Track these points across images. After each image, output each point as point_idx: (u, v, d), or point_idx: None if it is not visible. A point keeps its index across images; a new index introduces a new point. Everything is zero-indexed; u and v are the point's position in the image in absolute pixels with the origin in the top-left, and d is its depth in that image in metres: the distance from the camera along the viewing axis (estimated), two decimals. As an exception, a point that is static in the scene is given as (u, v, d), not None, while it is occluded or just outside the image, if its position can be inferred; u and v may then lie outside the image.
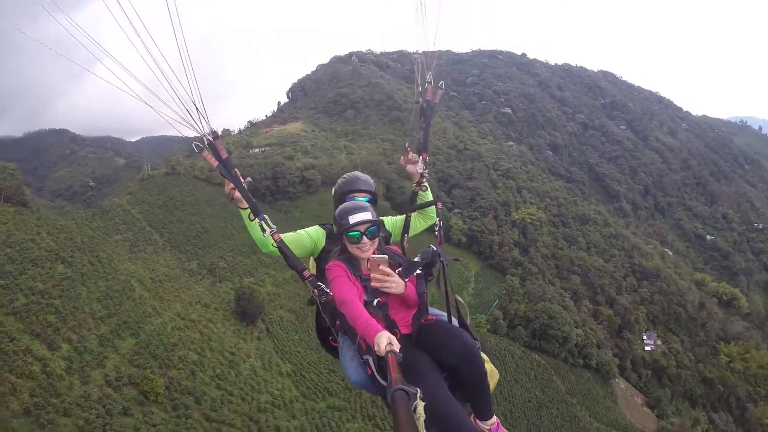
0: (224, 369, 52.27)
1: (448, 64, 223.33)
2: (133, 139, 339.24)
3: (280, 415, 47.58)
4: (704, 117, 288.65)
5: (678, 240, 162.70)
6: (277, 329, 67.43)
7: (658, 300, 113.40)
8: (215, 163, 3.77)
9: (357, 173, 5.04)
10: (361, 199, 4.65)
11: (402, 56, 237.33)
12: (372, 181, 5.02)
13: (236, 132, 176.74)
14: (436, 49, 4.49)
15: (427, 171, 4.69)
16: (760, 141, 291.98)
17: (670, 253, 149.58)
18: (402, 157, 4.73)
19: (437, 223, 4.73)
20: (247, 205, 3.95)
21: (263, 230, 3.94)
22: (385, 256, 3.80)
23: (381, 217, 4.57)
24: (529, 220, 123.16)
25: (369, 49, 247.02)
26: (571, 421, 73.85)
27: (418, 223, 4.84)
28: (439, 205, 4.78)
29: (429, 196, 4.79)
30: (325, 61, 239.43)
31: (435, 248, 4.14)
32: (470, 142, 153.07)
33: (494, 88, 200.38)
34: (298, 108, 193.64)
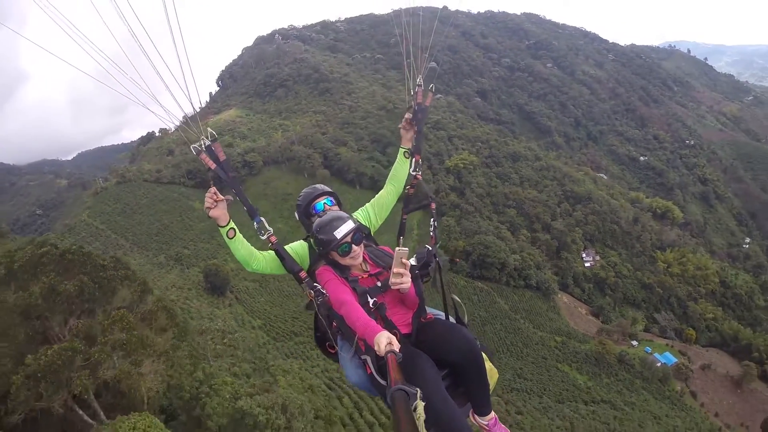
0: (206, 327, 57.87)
1: (370, 27, 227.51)
2: (70, 158, 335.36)
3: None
4: (632, 46, 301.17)
5: (613, 164, 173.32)
6: (245, 296, 76.77)
7: (592, 220, 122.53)
8: (213, 166, 3.88)
9: (313, 185, 4.96)
10: (326, 201, 4.59)
11: (324, 26, 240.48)
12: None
13: (173, 129, 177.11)
14: (426, 54, 4.62)
15: (420, 173, 4.65)
16: (690, 63, 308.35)
17: (605, 177, 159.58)
18: (403, 123, 4.76)
19: (432, 223, 4.62)
20: (225, 223, 3.95)
21: (260, 233, 3.99)
22: (407, 249, 3.77)
23: (352, 214, 4.66)
24: (462, 165, 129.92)
25: (291, 25, 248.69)
26: (515, 333, 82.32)
27: (389, 197, 4.73)
28: (433, 205, 4.67)
29: (405, 166, 4.64)
30: (250, 43, 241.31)
31: (430, 248, 4.23)
32: (398, 101, 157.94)
33: (418, 45, 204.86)
34: (230, 95, 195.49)
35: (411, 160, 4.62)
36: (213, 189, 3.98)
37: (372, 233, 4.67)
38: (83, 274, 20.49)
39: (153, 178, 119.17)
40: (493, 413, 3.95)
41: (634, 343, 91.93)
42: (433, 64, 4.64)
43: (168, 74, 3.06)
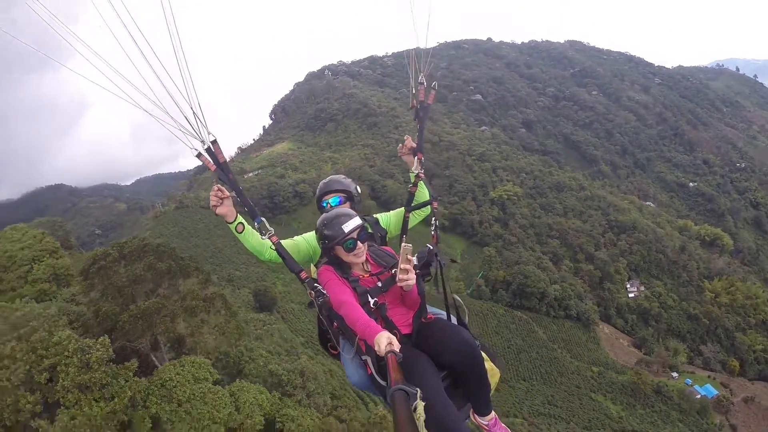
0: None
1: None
2: (129, 183, 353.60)
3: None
4: (679, 67, 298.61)
5: (661, 192, 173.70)
6: (290, 316, 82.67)
7: (637, 250, 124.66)
8: (213, 168, 3.91)
9: (333, 176, 5.24)
10: (330, 201, 4.96)
11: (372, 62, 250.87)
12: (348, 180, 5.19)
13: (228, 160, 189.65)
14: (429, 47, 4.62)
15: (423, 171, 4.74)
16: (739, 81, 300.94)
17: (653, 205, 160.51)
18: (400, 146, 4.86)
19: (434, 222, 4.68)
20: (233, 219, 4.12)
21: (262, 233, 4.06)
22: (411, 245, 3.78)
23: (375, 215, 4.96)
24: (506, 196, 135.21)
25: (340, 61, 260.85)
26: (551, 362, 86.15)
27: (413, 217, 4.89)
28: (435, 204, 4.77)
29: (425, 194, 4.85)
30: (301, 78, 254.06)
31: (432, 248, 4.25)
32: (443, 133, 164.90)
33: (463, 77, 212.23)
34: (282, 128, 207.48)
35: (414, 159, 4.75)
36: (217, 186, 4.12)
37: (387, 237, 4.86)
38: (170, 260, 30.42)
39: (208, 205, 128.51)
40: (493, 413, 4.05)
41: (675, 374, 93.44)
42: (431, 82, 4.84)
43: (167, 77, 3.23)
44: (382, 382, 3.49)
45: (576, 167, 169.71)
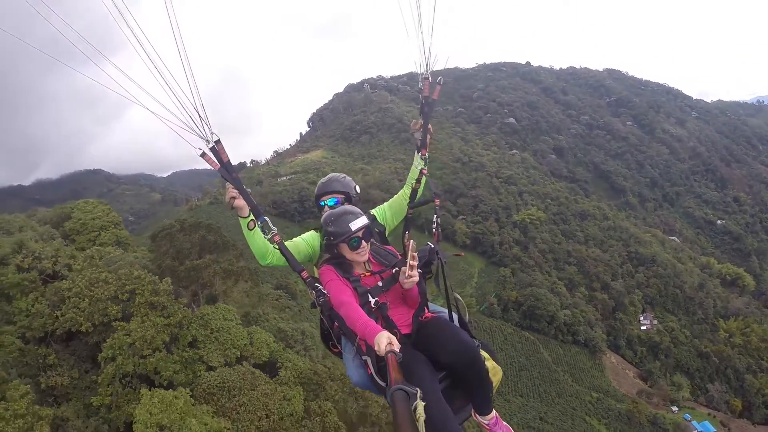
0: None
1: (455, 80, 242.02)
2: (165, 175, 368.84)
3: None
4: (719, 101, 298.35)
5: (687, 227, 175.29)
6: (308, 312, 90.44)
7: (654, 283, 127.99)
8: (217, 166, 3.98)
9: (332, 175, 5.30)
10: (328, 202, 5.03)
11: (411, 78, 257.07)
12: (348, 179, 5.23)
13: (264, 162, 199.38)
14: (431, 42, 4.47)
15: (426, 168, 4.74)
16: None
17: (677, 240, 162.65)
18: (413, 123, 4.78)
19: (435, 219, 4.70)
20: (247, 214, 4.19)
21: (264, 232, 4.22)
22: (414, 242, 3.88)
23: (371, 211, 4.93)
24: (529, 220, 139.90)
25: (380, 75, 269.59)
26: (551, 383, 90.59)
27: (402, 205, 4.90)
28: (438, 201, 4.71)
29: (419, 165, 4.75)
30: (340, 89, 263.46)
31: (432, 245, 4.32)
32: (474, 154, 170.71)
33: (498, 100, 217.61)
34: (319, 137, 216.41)
35: (418, 155, 4.73)
36: None
37: (387, 233, 4.90)
38: (216, 235, 41.85)
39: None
40: (494, 413, 4.07)
41: (675, 408, 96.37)
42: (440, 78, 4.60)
43: (170, 78, 3.26)
44: (382, 383, 3.60)
45: (603, 197, 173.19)
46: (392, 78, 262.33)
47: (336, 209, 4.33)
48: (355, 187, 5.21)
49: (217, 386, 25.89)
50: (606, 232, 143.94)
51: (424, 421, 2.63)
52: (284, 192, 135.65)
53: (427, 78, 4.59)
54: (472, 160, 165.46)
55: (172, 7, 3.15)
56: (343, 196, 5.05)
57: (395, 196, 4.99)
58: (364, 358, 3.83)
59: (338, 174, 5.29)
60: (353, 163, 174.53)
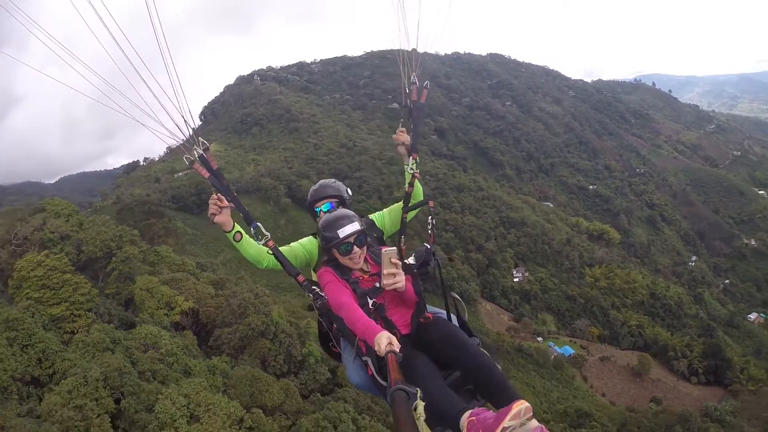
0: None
1: (342, 69, 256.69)
2: (52, 181, 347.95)
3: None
4: (598, 81, 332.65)
5: (561, 193, 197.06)
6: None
7: (524, 242, 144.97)
8: (206, 175, 4.16)
9: (323, 181, 5.43)
10: (323, 207, 5.13)
11: (300, 68, 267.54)
12: (338, 184, 5.44)
13: (158, 159, 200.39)
14: (421, 51, 4.74)
15: (418, 171, 5.01)
16: (654, 95, 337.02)
17: (551, 205, 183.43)
18: (395, 135, 5.21)
19: (430, 221, 4.89)
20: (230, 228, 4.29)
21: (257, 238, 4.25)
22: (395, 248, 4.07)
23: (370, 216, 5.17)
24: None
25: (269, 66, 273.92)
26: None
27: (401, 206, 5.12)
28: (431, 203, 4.99)
29: (420, 194, 5.19)
30: (231, 81, 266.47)
31: (429, 247, 4.58)
32: (358, 139, 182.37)
33: (383, 87, 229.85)
34: (211, 130, 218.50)
35: (410, 159, 5.08)
36: (216, 196, 4.28)
37: (384, 237, 5.10)
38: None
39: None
40: (525, 402, 3.12)
41: (539, 339, 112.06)
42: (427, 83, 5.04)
43: (159, 91, 3.43)
44: (383, 383, 3.62)
45: (481, 171, 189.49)
46: (282, 68, 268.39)
47: (331, 214, 4.57)
48: (346, 190, 5.48)
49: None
50: (481, 201, 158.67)
51: (432, 414, 3.00)
52: (182, 187, 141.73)
53: (415, 83, 5.17)
54: (356, 145, 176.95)
55: (161, 26, 3.53)
56: (336, 200, 5.26)
57: (397, 204, 5.40)
58: (364, 359, 3.93)
59: (329, 180, 5.54)
60: (245, 155, 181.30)
